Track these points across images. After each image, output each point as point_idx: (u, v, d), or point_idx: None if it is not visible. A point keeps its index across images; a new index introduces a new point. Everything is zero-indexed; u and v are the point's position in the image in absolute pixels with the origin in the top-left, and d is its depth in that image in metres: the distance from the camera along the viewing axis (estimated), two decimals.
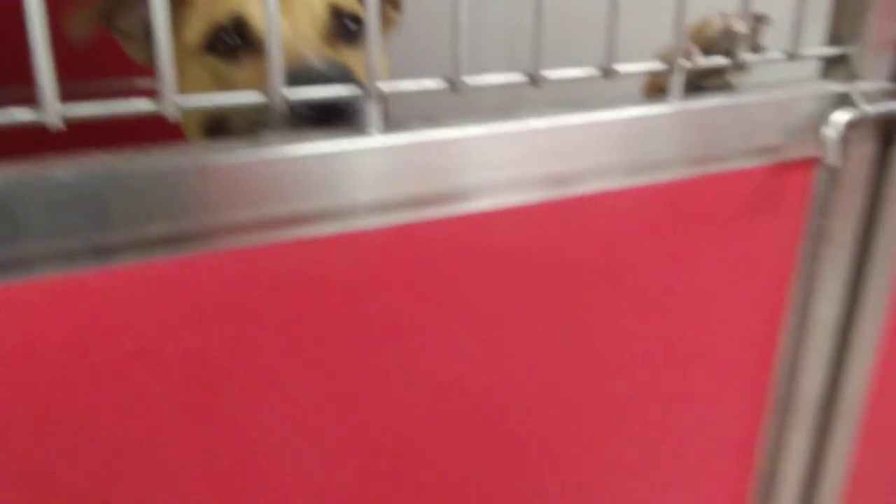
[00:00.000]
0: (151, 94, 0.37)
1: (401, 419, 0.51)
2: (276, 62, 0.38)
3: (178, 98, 0.37)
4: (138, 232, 0.38)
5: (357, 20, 0.72)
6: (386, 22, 0.85)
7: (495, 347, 0.52)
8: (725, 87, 0.57)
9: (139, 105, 0.36)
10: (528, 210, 0.50)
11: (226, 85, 0.67)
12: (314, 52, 0.60)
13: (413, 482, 0.53)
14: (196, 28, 0.70)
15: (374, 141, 0.42)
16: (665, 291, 0.59)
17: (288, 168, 0.40)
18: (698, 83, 0.57)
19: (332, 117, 0.53)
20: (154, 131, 0.47)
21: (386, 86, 0.42)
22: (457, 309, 0.50)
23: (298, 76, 0.52)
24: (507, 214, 0.49)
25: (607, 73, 0.49)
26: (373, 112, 0.42)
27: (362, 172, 0.43)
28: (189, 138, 0.73)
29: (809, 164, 0.62)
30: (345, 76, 0.57)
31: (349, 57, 0.68)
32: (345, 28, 0.71)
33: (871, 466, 0.84)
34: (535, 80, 0.47)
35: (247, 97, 0.39)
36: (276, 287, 0.43)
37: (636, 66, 0.51)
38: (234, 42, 0.67)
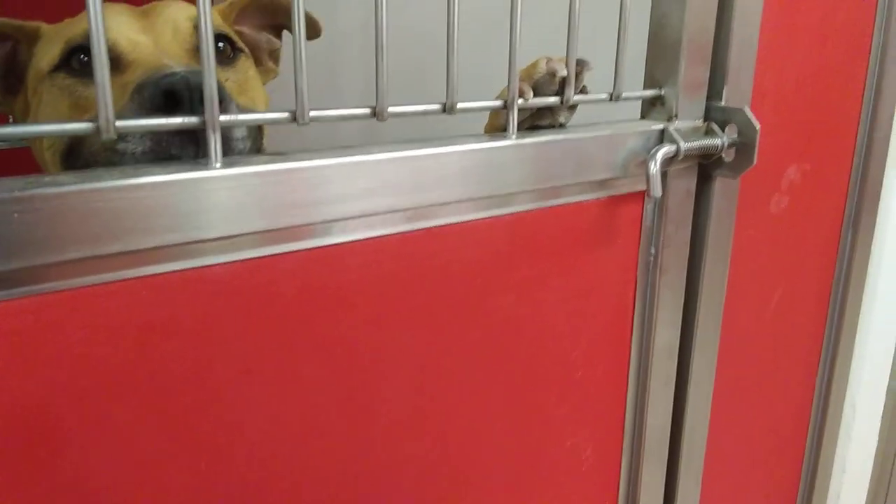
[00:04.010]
0: None
1: (253, 467, 0.48)
2: (102, 82, 0.37)
3: None
4: None
5: (226, 40, 0.71)
6: (265, 71, 0.84)
7: (348, 383, 0.52)
8: (557, 127, 0.61)
9: None
10: (379, 242, 0.51)
11: (82, 104, 0.63)
12: (178, 63, 0.58)
13: None
14: (49, 53, 0.66)
15: (216, 172, 0.41)
16: (516, 322, 0.61)
17: (122, 202, 0.38)
18: (533, 123, 0.61)
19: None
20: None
21: (226, 117, 0.42)
22: (309, 346, 0.49)
23: (160, 83, 0.50)
24: (357, 248, 0.50)
25: (448, 109, 0.52)
26: (214, 143, 0.42)
27: (205, 206, 0.41)
28: (48, 171, 0.68)
29: (638, 197, 0.68)
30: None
31: (218, 75, 0.67)
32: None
33: (720, 489, 0.90)
34: (378, 114, 0.48)
35: (70, 126, 0.37)
36: (112, 330, 0.40)
37: (475, 104, 0.54)
38: (89, 60, 0.63)
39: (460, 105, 0.52)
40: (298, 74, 0.44)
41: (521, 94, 0.56)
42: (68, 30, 0.66)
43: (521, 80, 0.58)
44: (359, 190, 0.48)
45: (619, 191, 0.66)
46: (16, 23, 0.70)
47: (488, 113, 0.64)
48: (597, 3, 0.66)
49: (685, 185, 0.71)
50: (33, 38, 0.70)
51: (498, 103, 0.55)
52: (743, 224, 0.78)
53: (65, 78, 0.64)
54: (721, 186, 0.73)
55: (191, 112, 0.45)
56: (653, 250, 0.71)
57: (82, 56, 0.63)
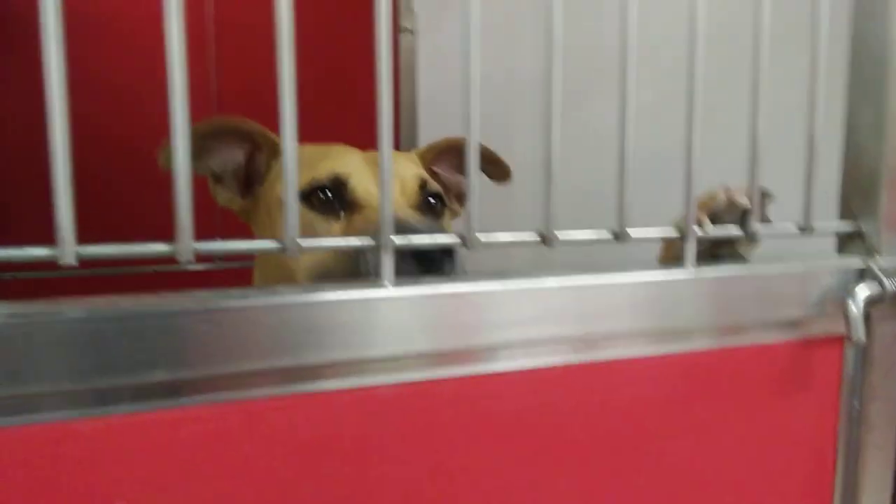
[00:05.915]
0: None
1: None
2: (290, 203, 0.39)
3: (194, 243, 0.38)
4: (140, 378, 0.37)
5: (438, 197, 0.77)
6: (452, 212, 0.90)
7: None
8: (737, 259, 0.57)
9: (153, 248, 0.37)
10: (543, 373, 0.48)
11: (320, 236, 0.68)
12: (405, 215, 0.63)
13: None
14: None
15: (386, 293, 0.42)
16: (688, 471, 0.55)
17: (297, 316, 0.40)
18: (711, 254, 0.58)
19: (431, 271, 0.56)
20: None
21: (399, 238, 0.43)
22: (469, 472, 0.46)
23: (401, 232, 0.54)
24: (522, 376, 0.48)
25: (619, 236, 0.50)
26: (386, 264, 0.43)
27: (374, 325, 0.42)
28: None
29: (836, 341, 0.60)
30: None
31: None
32: (427, 203, 0.76)
33: None
34: (546, 240, 0.47)
35: (264, 244, 0.40)
36: (278, 444, 0.41)
37: (648, 231, 0.52)
38: (329, 198, 0.71)
39: (632, 233, 0.51)
40: (471, 202, 0.45)
41: (699, 224, 0.54)
42: (312, 166, 0.73)
43: (699, 208, 0.55)
44: (524, 316, 0.47)
45: (812, 332, 0.59)
46: (267, 133, 0.76)
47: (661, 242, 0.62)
48: (781, 128, 0.63)
49: (893, 329, 0.62)
50: (275, 151, 0.77)
51: (672, 232, 0.53)
52: None
53: (306, 212, 0.71)
54: None
55: (431, 262, 0.55)
56: (856, 403, 0.62)
57: (321, 195, 0.71)
